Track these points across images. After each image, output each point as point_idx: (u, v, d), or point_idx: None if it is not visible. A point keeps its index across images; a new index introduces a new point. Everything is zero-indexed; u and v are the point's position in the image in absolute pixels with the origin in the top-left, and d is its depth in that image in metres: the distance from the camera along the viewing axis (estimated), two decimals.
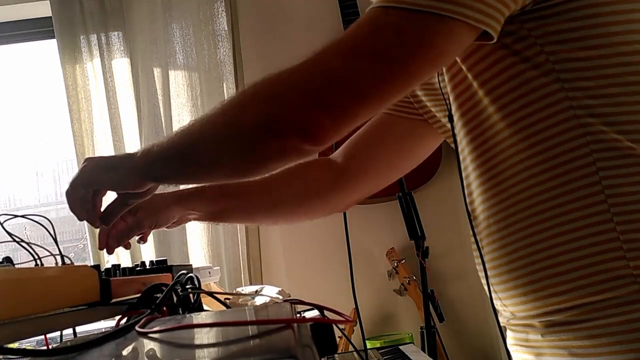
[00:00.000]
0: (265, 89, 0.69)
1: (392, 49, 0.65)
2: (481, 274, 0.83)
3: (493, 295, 0.82)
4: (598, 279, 0.68)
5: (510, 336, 0.84)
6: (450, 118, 0.81)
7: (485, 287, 0.82)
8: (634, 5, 0.69)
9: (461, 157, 0.83)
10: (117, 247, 0.92)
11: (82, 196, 0.83)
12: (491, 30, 0.66)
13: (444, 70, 0.81)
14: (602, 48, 0.68)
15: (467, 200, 0.84)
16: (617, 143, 0.68)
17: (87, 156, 2.35)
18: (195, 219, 1.01)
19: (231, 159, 0.74)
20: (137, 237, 0.97)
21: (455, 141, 0.83)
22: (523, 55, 0.71)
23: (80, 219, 0.85)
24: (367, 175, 1.03)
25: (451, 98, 0.82)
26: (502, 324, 0.84)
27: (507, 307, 0.80)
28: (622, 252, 0.67)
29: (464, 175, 0.84)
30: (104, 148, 2.41)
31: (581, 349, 0.70)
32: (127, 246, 0.95)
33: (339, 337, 1.68)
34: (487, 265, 0.80)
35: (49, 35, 2.52)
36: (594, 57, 0.68)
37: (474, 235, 0.83)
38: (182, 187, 1.00)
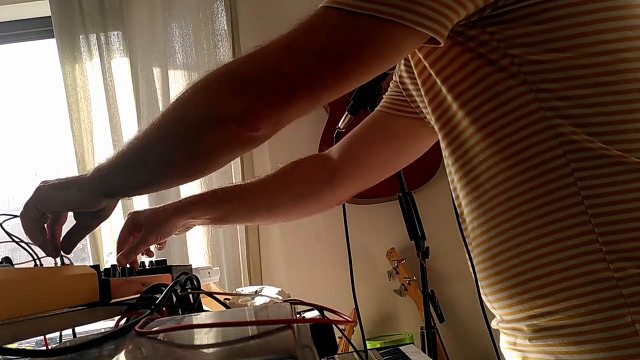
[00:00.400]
0: (205, 83, 0.71)
1: (325, 48, 0.67)
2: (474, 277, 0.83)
3: (483, 298, 0.82)
4: (579, 281, 0.68)
5: (502, 339, 0.84)
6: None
7: (477, 290, 0.83)
8: (600, 5, 0.68)
9: (445, 161, 0.83)
10: (125, 263, 0.92)
11: (35, 218, 0.81)
12: (434, 33, 0.66)
13: (420, 82, 0.82)
14: (568, 50, 0.67)
15: (456, 203, 0.84)
16: (589, 144, 0.67)
17: (86, 156, 2.37)
18: (199, 224, 1.03)
19: (178, 156, 0.74)
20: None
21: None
22: (488, 58, 0.70)
23: (36, 243, 0.83)
24: (363, 172, 1.04)
25: (426, 102, 0.82)
26: (495, 327, 0.85)
27: (496, 310, 0.80)
28: (602, 255, 0.67)
29: (449, 179, 0.84)
30: (103, 148, 2.41)
31: (567, 354, 0.70)
32: (134, 264, 0.96)
33: (339, 337, 1.68)
34: (476, 269, 0.81)
35: (48, 34, 2.52)
36: (561, 59, 0.67)
37: (464, 239, 0.84)
38: (181, 196, 1.02)
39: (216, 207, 1.00)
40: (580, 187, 0.67)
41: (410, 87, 0.94)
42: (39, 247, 0.83)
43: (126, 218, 0.98)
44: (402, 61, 0.93)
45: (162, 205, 0.99)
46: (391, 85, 1.02)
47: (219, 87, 0.70)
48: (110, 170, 0.78)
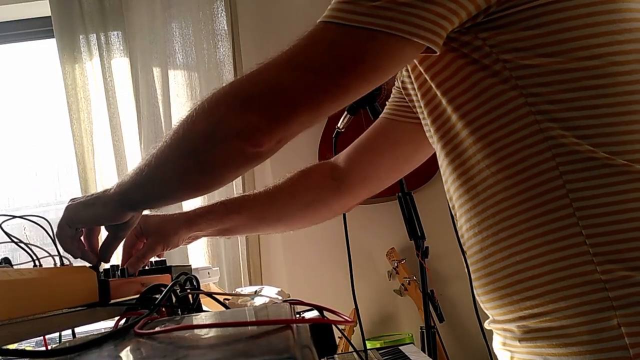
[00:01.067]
0: (210, 101, 0.74)
1: (324, 63, 0.69)
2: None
3: (477, 298, 0.84)
4: (567, 283, 0.68)
5: (494, 339, 0.85)
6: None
7: (471, 291, 0.86)
8: (589, 10, 0.69)
9: (439, 163, 0.85)
10: (134, 271, 0.94)
11: (70, 235, 0.85)
12: (430, 43, 0.68)
13: (416, 87, 0.83)
14: (558, 54, 0.68)
15: (450, 204, 0.86)
16: (577, 147, 0.68)
17: (86, 156, 2.37)
18: (206, 236, 1.06)
19: (187, 172, 0.77)
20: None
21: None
22: (481, 63, 0.71)
23: (76, 257, 0.87)
24: (369, 179, 1.06)
25: (422, 105, 0.84)
26: (487, 327, 0.86)
27: (489, 311, 0.82)
28: (590, 257, 0.67)
29: (443, 180, 0.86)
30: (103, 148, 2.41)
31: (555, 356, 0.70)
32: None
33: (339, 337, 1.68)
34: (471, 268, 0.82)
35: (48, 34, 2.52)
36: (551, 64, 0.69)
37: (459, 240, 0.86)
38: (187, 208, 1.04)
39: (225, 218, 1.02)
40: (569, 190, 0.68)
41: (412, 92, 0.95)
42: (81, 259, 0.87)
43: None
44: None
45: (171, 214, 1.02)
46: (394, 91, 1.03)
47: (223, 105, 0.72)
48: (129, 186, 0.82)
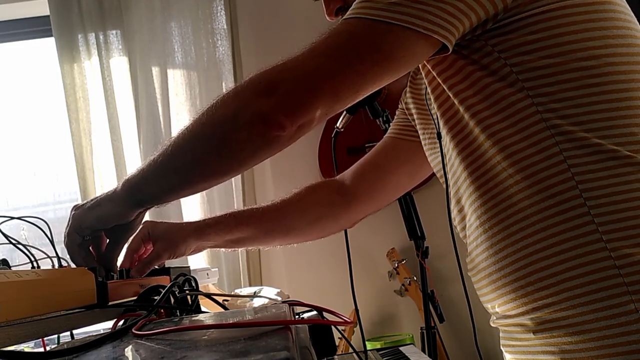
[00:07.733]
0: (234, 89, 0.77)
1: (344, 50, 0.75)
2: (474, 278, 0.88)
3: (481, 299, 0.87)
4: (581, 271, 0.71)
5: (501, 336, 0.87)
6: (439, 135, 0.90)
7: (464, 293, 0.91)
8: (586, 17, 0.76)
9: (448, 167, 0.90)
10: (139, 276, 0.93)
11: (80, 244, 0.85)
12: (441, 38, 0.73)
13: (430, 90, 0.89)
14: (560, 55, 0.75)
15: (457, 208, 0.89)
16: (585, 141, 0.73)
17: (85, 156, 2.37)
18: (211, 247, 1.07)
19: (207, 156, 0.78)
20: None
21: (442, 156, 0.91)
22: (490, 69, 0.77)
23: (87, 266, 0.85)
24: (376, 195, 1.13)
25: (439, 115, 0.88)
26: (492, 325, 0.88)
27: (499, 307, 0.83)
28: (603, 244, 0.70)
29: (451, 183, 0.89)
30: (102, 148, 2.41)
31: (571, 344, 0.72)
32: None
33: (339, 338, 1.68)
34: (478, 267, 0.85)
35: (47, 33, 2.51)
36: (553, 65, 0.75)
37: (454, 242, 0.91)
38: (198, 218, 1.06)
39: (234, 229, 1.04)
40: (578, 181, 0.72)
41: (414, 111, 1.02)
42: (90, 269, 0.85)
43: (141, 226, 0.98)
44: (408, 89, 1.02)
45: (180, 222, 1.02)
46: (398, 112, 1.11)
47: (247, 91, 0.75)
48: (141, 180, 0.81)
